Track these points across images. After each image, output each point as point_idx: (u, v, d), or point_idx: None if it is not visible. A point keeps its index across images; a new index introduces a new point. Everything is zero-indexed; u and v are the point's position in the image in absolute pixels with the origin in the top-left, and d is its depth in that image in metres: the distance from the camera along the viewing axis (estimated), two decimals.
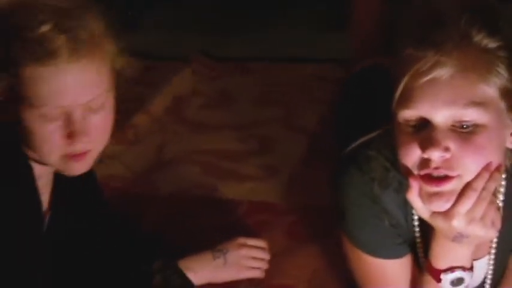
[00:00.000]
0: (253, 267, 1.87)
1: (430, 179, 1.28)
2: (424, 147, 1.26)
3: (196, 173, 2.26)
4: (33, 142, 1.34)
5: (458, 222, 1.30)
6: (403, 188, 1.37)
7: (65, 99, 1.30)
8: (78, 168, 1.38)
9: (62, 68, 1.29)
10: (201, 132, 2.47)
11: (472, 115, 1.25)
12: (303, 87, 2.66)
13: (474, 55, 1.25)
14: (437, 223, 1.33)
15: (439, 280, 1.41)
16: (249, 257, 1.87)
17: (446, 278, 1.40)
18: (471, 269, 1.40)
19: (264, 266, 1.88)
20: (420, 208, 1.33)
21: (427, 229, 1.42)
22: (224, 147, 2.37)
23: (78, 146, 1.34)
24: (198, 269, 1.81)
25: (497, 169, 1.29)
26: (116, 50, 1.36)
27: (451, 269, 1.38)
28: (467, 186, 1.28)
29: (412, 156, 1.29)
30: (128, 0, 3.13)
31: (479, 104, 1.25)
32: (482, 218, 1.31)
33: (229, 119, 2.51)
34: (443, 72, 1.24)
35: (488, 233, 1.34)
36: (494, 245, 1.47)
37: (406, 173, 1.31)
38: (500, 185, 1.39)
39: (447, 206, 1.29)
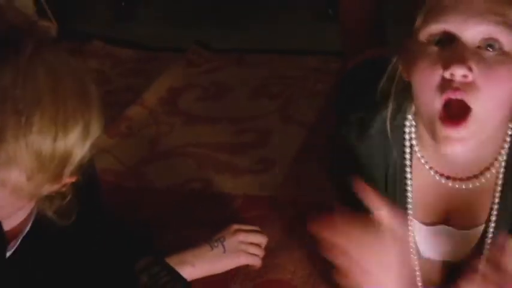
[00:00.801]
0: (252, 254, 1.86)
1: (448, 120, 1.25)
2: (448, 64, 1.23)
3: (191, 166, 2.24)
4: None
5: None
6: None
7: None
8: None
9: None
10: (196, 125, 2.45)
11: (502, 34, 1.24)
12: (301, 80, 2.64)
13: None
14: None
15: None
16: (247, 243, 1.86)
17: None
18: None
19: (261, 253, 1.87)
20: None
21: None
22: (220, 140, 2.35)
23: None
24: (195, 261, 1.80)
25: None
26: None
27: None
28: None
29: (434, 76, 1.25)
30: None
31: (510, 26, 1.24)
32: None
33: (225, 111, 2.49)
34: None
35: None
36: (495, 212, 1.41)
37: (425, 108, 1.28)
38: (507, 135, 1.36)
39: (459, 149, 1.26)
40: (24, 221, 1.46)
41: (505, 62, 1.24)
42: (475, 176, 1.39)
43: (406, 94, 1.37)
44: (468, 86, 1.23)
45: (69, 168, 1.27)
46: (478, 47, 1.24)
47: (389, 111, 1.40)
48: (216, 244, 1.83)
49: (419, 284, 1.49)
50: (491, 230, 1.44)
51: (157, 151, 2.33)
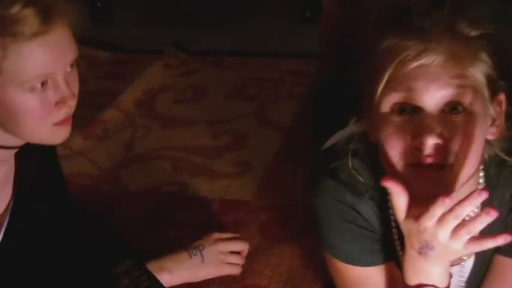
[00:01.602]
0: (231, 263, 1.84)
1: (423, 169, 1.26)
2: (416, 135, 1.24)
3: (167, 170, 2.23)
4: (18, 120, 1.35)
5: (429, 223, 1.25)
6: (378, 195, 1.36)
7: (47, 68, 1.33)
8: (65, 134, 1.41)
9: (40, 40, 1.31)
10: (173, 128, 2.43)
11: (465, 97, 1.25)
12: (278, 82, 2.64)
13: (460, 42, 1.27)
14: (409, 225, 1.29)
15: None
16: (226, 252, 1.84)
17: None
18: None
19: (241, 261, 1.86)
20: (399, 206, 1.29)
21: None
22: (196, 143, 2.34)
23: (65, 111, 1.37)
24: (174, 268, 1.78)
25: (479, 194, 1.25)
26: (76, 11, 1.39)
27: (420, 286, 1.35)
28: (451, 209, 1.24)
29: (401, 146, 1.26)
30: None
31: (470, 87, 1.26)
32: (454, 230, 1.27)
33: (202, 114, 2.48)
34: (433, 58, 1.25)
35: (454, 246, 1.27)
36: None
37: (393, 170, 1.28)
38: (479, 179, 1.37)
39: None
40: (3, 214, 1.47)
41: (472, 120, 1.26)
42: None
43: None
44: (440, 150, 1.25)
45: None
46: (443, 111, 1.26)
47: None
48: (194, 252, 1.81)
49: None
50: (469, 266, 1.47)
51: (133, 154, 2.32)
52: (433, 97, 1.24)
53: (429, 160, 1.25)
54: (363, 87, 1.34)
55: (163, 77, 2.71)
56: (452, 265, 1.43)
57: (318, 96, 1.99)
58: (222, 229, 1.94)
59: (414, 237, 1.28)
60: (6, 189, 1.47)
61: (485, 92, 1.28)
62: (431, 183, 1.27)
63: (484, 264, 1.48)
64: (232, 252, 1.85)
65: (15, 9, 1.29)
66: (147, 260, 1.75)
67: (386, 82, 1.27)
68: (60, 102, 1.36)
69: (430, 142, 1.24)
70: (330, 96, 1.89)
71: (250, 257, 1.87)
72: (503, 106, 1.32)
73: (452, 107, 1.25)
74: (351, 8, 1.95)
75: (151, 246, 1.86)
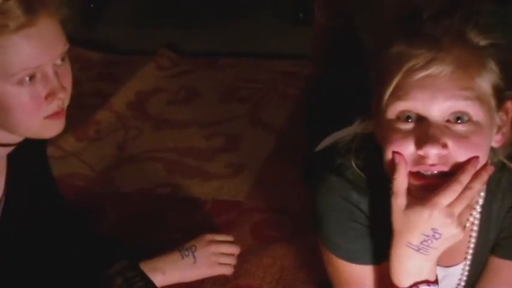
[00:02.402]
0: (223, 264, 1.84)
1: (425, 177, 1.28)
2: (420, 144, 1.25)
3: (160, 171, 2.23)
4: (9, 114, 1.34)
5: (438, 212, 1.27)
6: (381, 195, 1.36)
7: (34, 61, 1.32)
8: (58, 127, 1.40)
9: (25, 33, 1.30)
10: (165, 129, 2.43)
11: (471, 108, 1.25)
12: (271, 84, 2.63)
13: (470, 52, 1.27)
14: (412, 216, 1.29)
15: None
16: (218, 253, 1.85)
17: None
18: (436, 281, 1.37)
19: (233, 261, 1.86)
20: (400, 195, 1.30)
21: None
22: (189, 145, 2.34)
23: (56, 103, 1.36)
24: (166, 269, 1.79)
25: (484, 169, 1.29)
26: (64, 3, 1.38)
27: (415, 285, 1.35)
28: (453, 179, 1.27)
29: (406, 151, 1.27)
30: None
31: (477, 98, 1.26)
32: (459, 216, 1.29)
33: (195, 115, 2.48)
34: (441, 68, 1.24)
35: (459, 235, 1.31)
36: (471, 251, 1.45)
37: (392, 170, 1.29)
38: (480, 193, 1.39)
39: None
40: None
41: (476, 131, 1.26)
42: None
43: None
44: (444, 159, 1.26)
45: None
46: (448, 120, 1.26)
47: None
48: (186, 253, 1.82)
49: None
50: (467, 268, 1.48)
51: (125, 155, 2.31)
52: (438, 108, 1.25)
53: (432, 168, 1.27)
54: (370, 87, 1.34)
55: (156, 78, 2.71)
56: (452, 266, 1.44)
57: (310, 98, 1.99)
58: (214, 230, 1.94)
59: (415, 230, 1.29)
60: None
61: (492, 102, 1.28)
62: (433, 191, 1.27)
63: (482, 266, 1.49)
64: (224, 253, 1.86)
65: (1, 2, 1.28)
66: (140, 260, 1.74)
67: (393, 90, 1.27)
68: (50, 95, 1.35)
69: (434, 152, 1.25)
70: (320, 99, 1.89)
71: (242, 258, 1.88)
72: (510, 114, 1.33)
73: (457, 117, 1.26)
74: (341, 20, 1.96)
75: (144, 247, 1.85)
